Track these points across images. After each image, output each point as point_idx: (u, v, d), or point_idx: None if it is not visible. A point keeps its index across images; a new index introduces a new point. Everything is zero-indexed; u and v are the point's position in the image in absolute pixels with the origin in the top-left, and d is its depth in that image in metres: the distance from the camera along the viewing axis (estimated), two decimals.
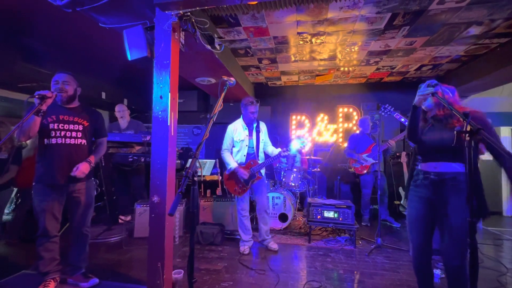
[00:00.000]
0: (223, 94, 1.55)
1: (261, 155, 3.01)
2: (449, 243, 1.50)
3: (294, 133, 5.31)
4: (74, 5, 2.02)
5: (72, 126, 2.05)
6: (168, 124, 1.98)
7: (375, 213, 4.29)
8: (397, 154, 3.91)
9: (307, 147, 4.44)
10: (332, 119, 5.21)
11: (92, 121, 2.19)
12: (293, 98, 5.41)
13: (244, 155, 2.93)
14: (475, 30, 2.96)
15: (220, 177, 4.03)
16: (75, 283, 2.13)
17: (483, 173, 1.51)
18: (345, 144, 5.08)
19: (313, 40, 3.31)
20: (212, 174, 4.10)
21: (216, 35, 2.46)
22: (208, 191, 3.83)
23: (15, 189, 3.71)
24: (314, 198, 3.78)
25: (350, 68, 4.38)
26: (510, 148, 4.87)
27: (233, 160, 2.90)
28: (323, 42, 3.37)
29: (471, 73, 3.97)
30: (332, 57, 3.89)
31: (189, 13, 2.05)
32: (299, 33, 3.12)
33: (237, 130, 2.94)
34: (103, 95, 4.82)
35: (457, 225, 1.47)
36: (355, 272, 2.49)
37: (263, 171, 2.98)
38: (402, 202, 4.37)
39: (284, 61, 4.07)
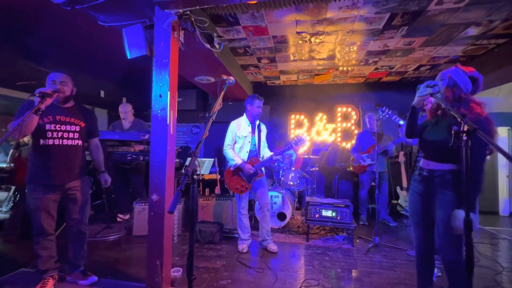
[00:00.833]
0: (222, 93, 1.55)
1: (262, 154, 2.99)
2: (442, 238, 1.55)
3: (293, 132, 5.32)
4: (73, 3, 2.01)
5: (69, 127, 2.03)
6: (168, 122, 1.99)
7: (372, 212, 4.31)
8: (396, 154, 3.93)
9: (306, 147, 4.45)
10: (331, 119, 5.23)
11: (87, 122, 2.18)
12: (292, 97, 5.42)
13: (247, 152, 2.90)
14: (473, 31, 2.98)
15: (219, 176, 4.03)
16: (74, 281, 2.14)
17: None
18: (344, 144, 5.12)
19: (312, 39, 3.32)
20: (211, 173, 4.11)
21: (215, 34, 2.46)
22: (207, 190, 3.84)
23: (13, 187, 3.71)
24: (312, 197, 3.80)
25: (349, 68, 4.39)
26: (507, 148, 4.91)
27: (238, 156, 2.86)
28: (322, 42, 3.38)
29: None
30: (331, 57, 3.90)
31: (188, 12, 2.05)
32: (298, 33, 3.13)
33: (240, 126, 2.93)
34: (102, 93, 4.81)
35: (442, 220, 1.53)
36: (353, 270, 2.51)
37: (263, 169, 2.99)
38: (399, 201, 4.40)
39: (283, 61, 4.08)
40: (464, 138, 1.16)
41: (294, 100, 5.40)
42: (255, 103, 2.87)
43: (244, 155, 2.90)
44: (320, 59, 4.01)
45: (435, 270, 2.34)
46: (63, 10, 2.09)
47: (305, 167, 4.58)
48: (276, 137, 5.32)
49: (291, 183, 3.96)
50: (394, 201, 4.43)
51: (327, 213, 3.22)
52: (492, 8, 2.50)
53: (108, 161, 3.59)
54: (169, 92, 1.99)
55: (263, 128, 3.07)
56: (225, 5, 2.16)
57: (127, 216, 3.82)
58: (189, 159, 4.15)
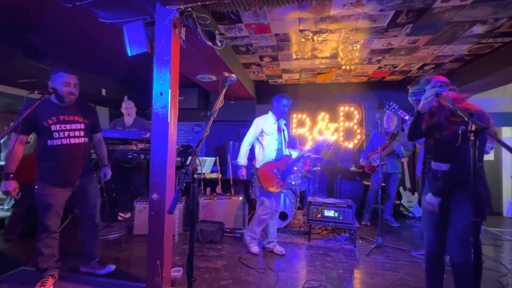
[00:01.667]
0: (224, 90, 1.52)
1: (285, 153, 2.91)
2: (453, 240, 1.52)
3: (295, 131, 5.28)
4: (74, 0, 1.99)
5: (74, 125, 2.05)
6: (168, 121, 1.96)
7: (375, 213, 4.27)
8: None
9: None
10: (333, 118, 5.19)
11: (90, 118, 2.21)
12: (294, 96, 5.32)
13: (275, 150, 2.81)
14: (479, 29, 2.93)
15: (220, 175, 4.01)
16: (91, 271, 2.24)
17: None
18: (346, 143, 5.08)
19: (315, 37, 3.28)
20: (212, 172, 4.09)
21: (217, 32, 2.43)
22: (208, 189, 3.82)
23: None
24: (314, 197, 3.77)
25: (352, 67, 4.35)
26: None
27: (245, 158, 2.83)
28: (325, 40, 3.35)
29: (474, 73, 3.94)
30: (334, 55, 3.86)
31: (190, 9, 2.02)
32: (301, 31, 3.09)
33: (267, 122, 2.85)
34: (103, 91, 4.79)
35: (459, 219, 1.51)
36: (355, 271, 2.48)
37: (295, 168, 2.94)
38: (402, 201, 4.36)
39: (285, 59, 4.05)
40: (472, 138, 1.12)
41: (296, 99, 5.34)
42: (282, 102, 2.83)
43: (272, 153, 2.80)
44: (323, 58, 3.97)
45: None
46: (64, 7, 2.07)
47: (309, 167, 4.54)
48: None
49: (293, 182, 3.93)
50: (397, 201, 4.38)
51: (329, 213, 3.19)
52: (499, 6, 2.45)
53: (109, 159, 3.57)
54: (170, 90, 1.97)
55: (285, 128, 3.02)
56: (227, 1, 2.12)
57: (128, 215, 3.80)
58: (190, 157, 4.13)
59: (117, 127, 3.80)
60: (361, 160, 4.08)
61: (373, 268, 2.54)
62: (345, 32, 3.10)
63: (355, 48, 3.56)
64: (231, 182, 4.04)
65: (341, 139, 5.11)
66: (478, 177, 1.39)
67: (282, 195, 3.49)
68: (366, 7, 2.54)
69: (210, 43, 2.37)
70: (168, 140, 1.97)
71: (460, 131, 1.18)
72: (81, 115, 2.11)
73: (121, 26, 2.14)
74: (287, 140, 2.98)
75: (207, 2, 1.95)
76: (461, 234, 1.44)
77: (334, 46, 3.52)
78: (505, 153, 4.78)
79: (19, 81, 3.77)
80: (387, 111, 3.77)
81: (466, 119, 1.22)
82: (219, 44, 2.41)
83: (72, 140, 2.03)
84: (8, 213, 3.73)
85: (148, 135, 3.37)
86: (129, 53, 2.10)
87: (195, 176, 1.22)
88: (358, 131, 5.02)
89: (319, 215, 3.21)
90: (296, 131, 5.27)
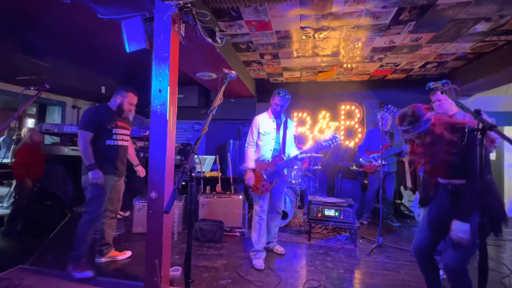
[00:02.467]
0: (223, 87, 1.50)
1: (288, 152, 2.69)
2: (449, 248, 1.50)
3: (295, 130, 5.24)
4: None
5: (124, 131, 2.50)
6: (167, 118, 1.94)
7: (375, 212, 4.24)
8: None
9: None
10: (334, 117, 5.15)
11: (132, 126, 2.70)
12: (295, 94, 5.29)
13: (271, 150, 2.63)
14: (483, 27, 2.89)
15: (220, 174, 3.99)
16: (112, 258, 2.54)
17: None
18: (347, 142, 5.04)
19: (316, 35, 3.24)
20: (212, 170, 4.07)
21: (217, 29, 2.40)
22: (208, 188, 3.80)
23: (14, 183, 3.69)
24: (315, 196, 3.74)
25: (353, 65, 4.31)
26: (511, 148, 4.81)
27: (252, 161, 2.63)
28: (326, 38, 3.31)
29: (477, 71, 3.90)
30: (335, 53, 3.82)
31: (189, 5, 1.99)
32: (302, 28, 3.05)
33: (263, 120, 2.67)
34: (103, 89, 4.77)
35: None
36: (356, 271, 2.45)
37: (285, 170, 2.72)
38: (403, 201, 4.33)
39: (286, 57, 4.01)
40: (479, 136, 1.09)
41: (297, 98, 5.31)
42: (274, 99, 2.61)
43: (268, 154, 2.63)
44: (324, 56, 3.93)
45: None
46: (63, 4, 2.05)
47: (308, 166, 4.51)
48: None
49: (293, 181, 3.90)
50: (398, 201, 4.35)
51: (330, 212, 3.16)
52: (505, 2, 2.41)
53: None
54: (169, 87, 1.94)
55: (290, 125, 2.77)
56: None
57: (127, 213, 3.79)
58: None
59: None
60: (361, 158, 4.03)
61: (374, 268, 2.52)
62: (347, 29, 3.06)
63: (356, 46, 3.52)
64: (231, 181, 4.02)
65: (342, 138, 5.07)
66: (488, 192, 1.38)
67: (283, 194, 3.44)
68: (368, 3, 2.51)
69: (210, 40, 2.34)
70: (167, 138, 1.94)
71: (466, 130, 1.15)
72: (128, 124, 2.59)
73: (119, 22, 2.10)
74: (289, 138, 2.74)
75: None
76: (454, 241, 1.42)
77: (336, 43, 3.48)
78: (507, 153, 4.74)
79: (18, 78, 3.75)
80: (386, 113, 3.77)
81: (473, 117, 1.19)
82: (219, 41, 2.38)
83: (123, 143, 2.48)
84: (8, 211, 3.73)
85: (147, 133, 3.35)
86: (128, 50, 2.08)
87: (193, 174, 1.19)
88: (359, 130, 4.98)
89: (319, 214, 3.19)
90: (297, 129, 5.24)
